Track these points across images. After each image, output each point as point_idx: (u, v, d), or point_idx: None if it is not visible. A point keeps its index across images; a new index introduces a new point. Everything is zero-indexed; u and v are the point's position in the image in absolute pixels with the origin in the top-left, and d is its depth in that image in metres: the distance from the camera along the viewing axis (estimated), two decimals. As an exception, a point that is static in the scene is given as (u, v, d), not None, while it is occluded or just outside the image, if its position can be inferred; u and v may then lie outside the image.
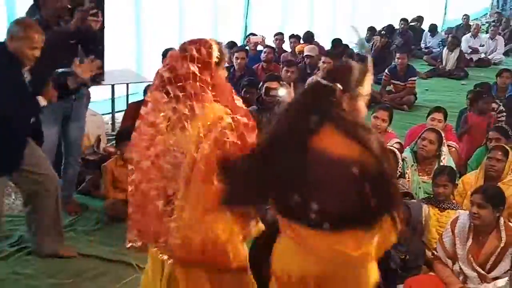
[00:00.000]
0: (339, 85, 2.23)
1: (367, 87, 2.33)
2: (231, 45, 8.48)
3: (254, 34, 9.42)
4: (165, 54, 6.33)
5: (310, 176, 2.20)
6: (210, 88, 2.51)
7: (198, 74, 2.48)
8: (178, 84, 2.48)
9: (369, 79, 2.34)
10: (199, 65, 2.49)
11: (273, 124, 2.37)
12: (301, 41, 9.69)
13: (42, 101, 3.63)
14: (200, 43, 2.54)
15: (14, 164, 3.70)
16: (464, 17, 14.88)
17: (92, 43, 4.43)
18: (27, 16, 4.17)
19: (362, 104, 2.32)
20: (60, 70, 3.90)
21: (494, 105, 6.53)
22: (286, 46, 9.80)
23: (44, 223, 3.98)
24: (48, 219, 3.98)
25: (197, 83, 2.48)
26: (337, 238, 2.21)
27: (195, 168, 2.42)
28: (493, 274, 3.64)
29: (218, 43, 2.61)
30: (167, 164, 2.52)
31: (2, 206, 3.99)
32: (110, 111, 6.87)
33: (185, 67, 2.48)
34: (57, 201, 3.98)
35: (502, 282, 3.58)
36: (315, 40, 9.88)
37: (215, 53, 2.55)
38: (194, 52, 2.50)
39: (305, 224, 2.25)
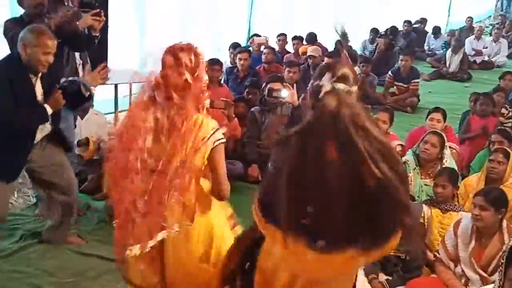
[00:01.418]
0: (354, 87, 2.14)
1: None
2: (235, 45, 8.49)
3: (258, 35, 9.42)
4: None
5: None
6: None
7: (191, 83, 2.51)
8: (168, 93, 2.50)
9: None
10: (190, 75, 2.52)
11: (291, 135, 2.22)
12: (304, 42, 9.69)
13: (48, 108, 3.68)
14: (189, 51, 2.55)
15: (18, 170, 3.78)
16: (468, 19, 14.86)
17: (76, 41, 4.48)
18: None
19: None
20: (69, 78, 3.94)
21: (503, 110, 6.57)
22: (290, 47, 9.81)
23: (58, 219, 4.15)
24: (59, 217, 4.14)
25: (188, 93, 2.51)
26: (331, 259, 2.00)
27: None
28: (495, 277, 3.62)
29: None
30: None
31: (6, 208, 4.02)
32: (113, 110, 6.86)
33: (179, 76, 2.51)
34: (73, 202, 4.14)
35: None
36: (318, 41, 9.88)
37: (203, 62, 2.58)
38: (187, 61, 2.52)
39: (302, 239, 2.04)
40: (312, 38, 9.82)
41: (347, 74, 2.11)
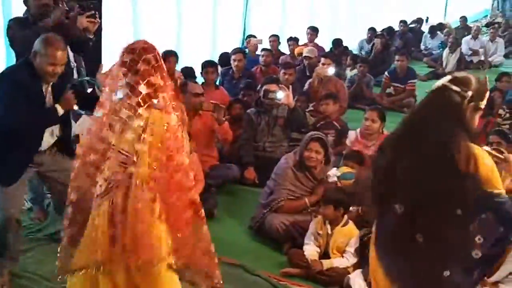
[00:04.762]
0: (469, 92, 2.25)
1: (485, 101, 2.36)
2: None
3: (254, 36, 9.39)
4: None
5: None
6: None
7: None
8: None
9: (487, 94, 2.40)
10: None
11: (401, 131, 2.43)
12: (307, 36, 9.80)
13: (59, 109, 3.65)
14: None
15: (18, 174, 3.72)
16: (461, 19, 14.86)
17: (75, 42, 4.44)
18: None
19: (477, 118, 2.33)
20: (82, 78, 3.89)
21: (501, 111, 6.57)
22: (283, 48, 9.78)
23: None
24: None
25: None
26: None
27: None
28: (494, 278, 3.60)
29: None
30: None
31: (19, 208, 3.95)
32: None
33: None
34: None
35: (504, 287, 3.56)
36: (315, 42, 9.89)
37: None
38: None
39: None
40: (315, 31, 9.89)
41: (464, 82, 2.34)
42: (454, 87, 2.28)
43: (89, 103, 3.84)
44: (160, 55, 2.73)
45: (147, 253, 2.66)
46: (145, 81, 2.62)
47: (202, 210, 2.88)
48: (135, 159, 2.61)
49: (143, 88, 2.61)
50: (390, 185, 2.34)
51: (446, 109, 2.26)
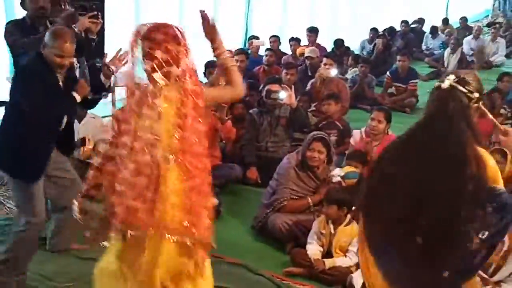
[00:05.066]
0: (476, 94, 2.26)
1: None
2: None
3: (256, 37, 9.40)
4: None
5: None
6: None
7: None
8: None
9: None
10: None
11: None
12: (306, 36, 9.77)
13: (77, 96, 3.66)
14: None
15: (41, 170, 3.71)
16: (461, 20, 14.86)
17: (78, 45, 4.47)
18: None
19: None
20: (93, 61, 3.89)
21: (502, 110, 6.58)
22: (285, 49, 9.79)
23: (67, 223, 4.08)
24: (70, 220, 3.98)
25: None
26: None
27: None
28: (496, 278, 3.62)
29: None
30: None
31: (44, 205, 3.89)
32: (110, 114, 6.83)
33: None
34: None
35: (506, 286, 3.57)
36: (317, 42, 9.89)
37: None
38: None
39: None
40: (315, 31, 9.88)
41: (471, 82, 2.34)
42: (462, 88, 2.29)
43: (98, 88, 3.89)
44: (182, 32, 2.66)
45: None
46: (162, 47, 2.56)
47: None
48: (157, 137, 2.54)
49: (158, 53, 2.55)
50: (388, 190, 2.33)
51: (457, 111, 2.26)
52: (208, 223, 2.64)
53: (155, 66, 2.55)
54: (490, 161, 2.28)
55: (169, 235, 2.58)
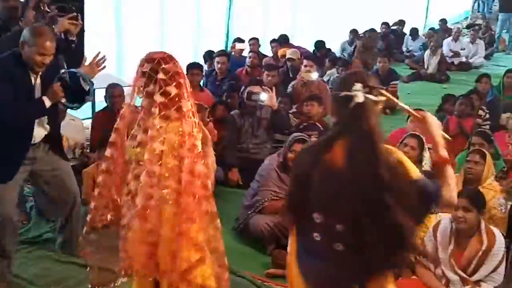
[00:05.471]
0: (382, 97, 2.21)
1: None
2: (209, 53, 8.48)
3: (240, 39, 9.36)
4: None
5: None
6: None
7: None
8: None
9: None
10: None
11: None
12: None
13: (46, 101, 3.60)
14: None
15: (14, 170, 3.69)
16: (440, 22, 14.99)
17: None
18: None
19: None
20: (70, 69, 3.84)
21: (480, 111, 6.65)
22: (266, 51, 9.80)
23: (77, 228, 4.04)
24: (77, 225, 4.06)
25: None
26: None
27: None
28: (475, 277, 3.65)
29: None
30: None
31: (12, 208, 3.88)
32: (90, 116, 6.80)
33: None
34: (78, 209, 4.12)
35: (486, 286, 3.60)
36: (295, 43, 9.89)
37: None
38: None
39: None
40: (284, 40, 9.83)
41: (374, 84, 2.21)
42: (371, 97, 2.16)
43: (76, 96, 3.83)
44: (180, 65, 2.70)
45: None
46: (161, 90, 2.59)
47: (218, 221, 2.88)
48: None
49: (158, 97, 2.59)
50: (307, 193, 2.20)
51: (371, 125, 2.12)
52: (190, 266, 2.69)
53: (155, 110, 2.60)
54: (395, 155, 2.17)
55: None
